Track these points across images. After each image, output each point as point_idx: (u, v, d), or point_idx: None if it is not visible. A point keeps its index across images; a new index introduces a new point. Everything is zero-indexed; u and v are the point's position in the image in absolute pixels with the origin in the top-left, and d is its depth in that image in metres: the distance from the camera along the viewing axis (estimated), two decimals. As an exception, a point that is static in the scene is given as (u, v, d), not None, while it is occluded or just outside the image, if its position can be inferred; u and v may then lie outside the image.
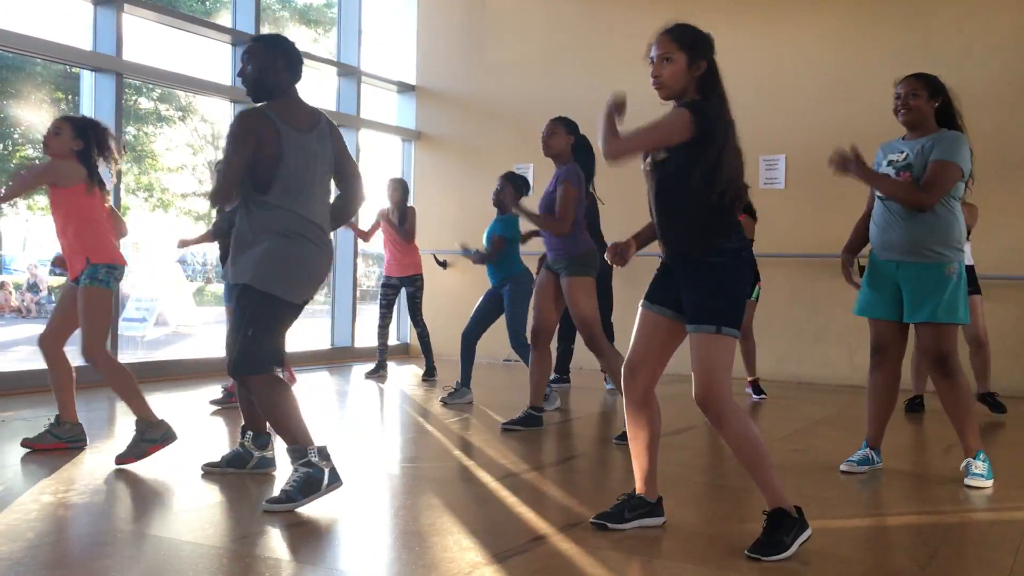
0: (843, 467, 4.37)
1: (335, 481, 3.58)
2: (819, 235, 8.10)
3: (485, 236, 6.62)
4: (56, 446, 4.47)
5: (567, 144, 5.30)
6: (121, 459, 4.19)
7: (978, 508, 3.88)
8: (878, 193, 4.23)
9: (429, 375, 7.91)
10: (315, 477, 3.53)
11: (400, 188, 7.93)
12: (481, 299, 6.61)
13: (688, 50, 3.05)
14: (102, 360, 4.38)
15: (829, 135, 8.30)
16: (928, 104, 4.16)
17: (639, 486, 3.31)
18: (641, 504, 3.28)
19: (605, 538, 3.21)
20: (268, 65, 3.67)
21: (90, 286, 4.38)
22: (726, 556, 3.07)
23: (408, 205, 7.98)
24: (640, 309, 3.26)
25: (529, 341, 5.50)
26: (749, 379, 7.05)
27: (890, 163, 4.22)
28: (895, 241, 4.14)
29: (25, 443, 4.49)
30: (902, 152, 4.19)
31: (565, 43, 9.62)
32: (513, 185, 6.32)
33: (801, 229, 7.80)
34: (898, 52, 7.72)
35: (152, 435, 4.28)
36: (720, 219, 3.06)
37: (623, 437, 5.09)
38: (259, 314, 3.56)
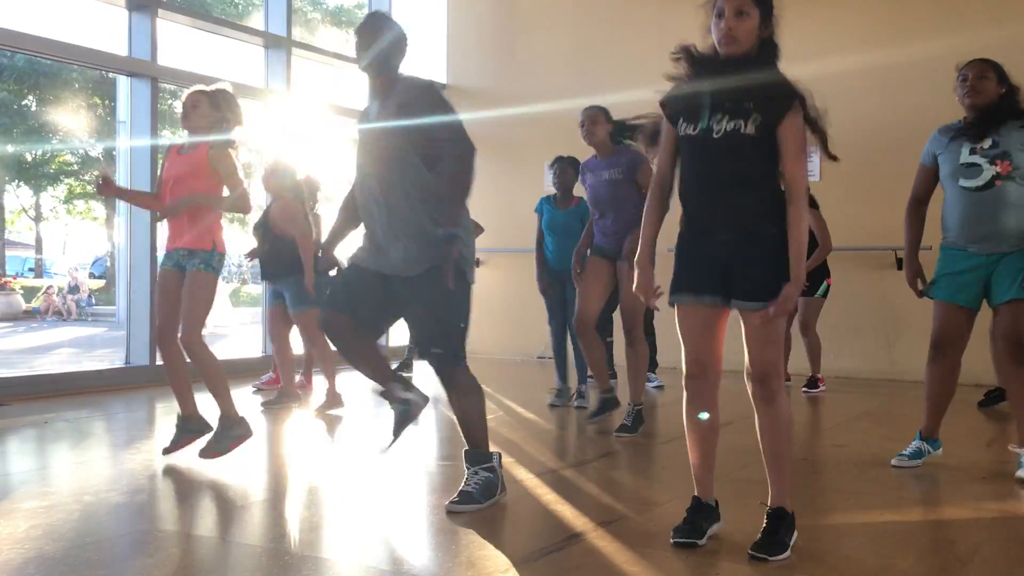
0: (893, 462, 4.26)
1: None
2: (855, 228, 8.01)
3: (553, 226, 6.38)
4: (237, 444, 4.33)
5: (607, 132, 5.30)
6: (205, 453, 4.22)
7: (1023, 502, 3.81)
8: (965, 182, 4.01)
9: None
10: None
11: None
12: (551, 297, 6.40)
13: (762, 6, 2.94)
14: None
15: (864, 128, 8.21)
16: (996, 89, 4.03)
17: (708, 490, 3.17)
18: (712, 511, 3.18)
19: (640, 535, 3.20)
20: None
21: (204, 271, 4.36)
22: (765, 553, 3.04)
23: None
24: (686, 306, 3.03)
25: (576, 329, 5.41)
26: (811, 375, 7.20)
27: (973, 151, 4.00)
28: (990, 233, 3.98)
29: (204, 454, 4.27)
30: (984, 139, 3.99)
31: (595, 39, 9.58)
32: (574, 168, 6.30)
33: (837, 222, 7.66)
34: (936, 42, 7.60)
35: (236, 431, 4.31)
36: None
37: (623, 429, 5.14)
38: None
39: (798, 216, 2.91)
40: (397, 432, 3.71)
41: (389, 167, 3.55)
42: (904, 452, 4.29)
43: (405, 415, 3.70)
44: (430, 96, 3.63)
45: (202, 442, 4.34)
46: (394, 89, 3.67)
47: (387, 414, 3.76)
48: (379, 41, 3.64)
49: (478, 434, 3.63)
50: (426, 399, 3.74)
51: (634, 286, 3.11)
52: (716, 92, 2.94)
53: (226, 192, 4.39)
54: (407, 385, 3.74)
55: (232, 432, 4.30)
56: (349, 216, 3.78)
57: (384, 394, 3.72)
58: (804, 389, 7.12)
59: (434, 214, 3.50)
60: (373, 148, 3.62)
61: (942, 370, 4.19)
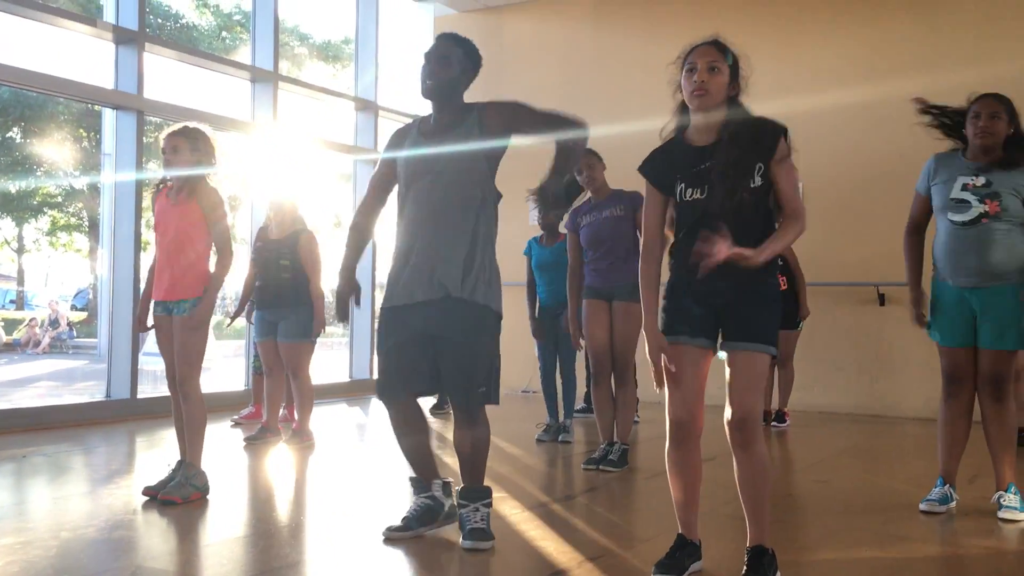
0: (923, 507, 4.19)
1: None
2: (837, 262, 8.07)
3: (543, 264, 6.37)
4: (196, 496, 4.29)
5: (603, 174, 5.40)
6: (165, 496, 4.18)
7: (1006, 540, 3.81)
8: (954, 216, 4.04)
9: (440, 407, 7.87)
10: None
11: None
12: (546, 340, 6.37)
13: (731, 65, 3.01)
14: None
15: (843, 164, 8.31)
16: (1006, 128, 4.02)
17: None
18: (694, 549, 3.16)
19: (624, 571, 3.18)
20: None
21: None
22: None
23: None
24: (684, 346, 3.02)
25: (593, 374, 5.31)
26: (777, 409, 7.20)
27: (965, 187, 4.02)
28: (972, 268, 4.02)
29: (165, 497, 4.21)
30: (978, 176, 4.01)
31: (581, 72, 9.68)
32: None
33: (818, 256, 7.76)
34: (916, 74, 7.72)
35: (197, 482, 4.30)
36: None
37: (609, 464, 5.15)
38: None
39: (793, 229, 3.07)
40: (411, 525, 3.65)
41: (454, 186, 3.66)
42: (932, 497, 4.20)
43: (428, 513, 3.68)
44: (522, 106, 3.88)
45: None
46: (464, 114, 3.77)
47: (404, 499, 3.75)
48: (450, 68, 3.73)
49: (481, 470, 3.65)
50: (452, 518, 3.70)
51: (648, 349, 3.04)
52: (718, 155, 2.96)
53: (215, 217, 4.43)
54: (447, 491, 3.77)
55: (195, 482, 4.29)
56: (363, 239, 3.84)
57: (416, 483, 3.75)
58: (773, 423, 7.12)
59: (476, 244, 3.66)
60: (436, 167, 3.66)
61: (957, 409, 4.15)
